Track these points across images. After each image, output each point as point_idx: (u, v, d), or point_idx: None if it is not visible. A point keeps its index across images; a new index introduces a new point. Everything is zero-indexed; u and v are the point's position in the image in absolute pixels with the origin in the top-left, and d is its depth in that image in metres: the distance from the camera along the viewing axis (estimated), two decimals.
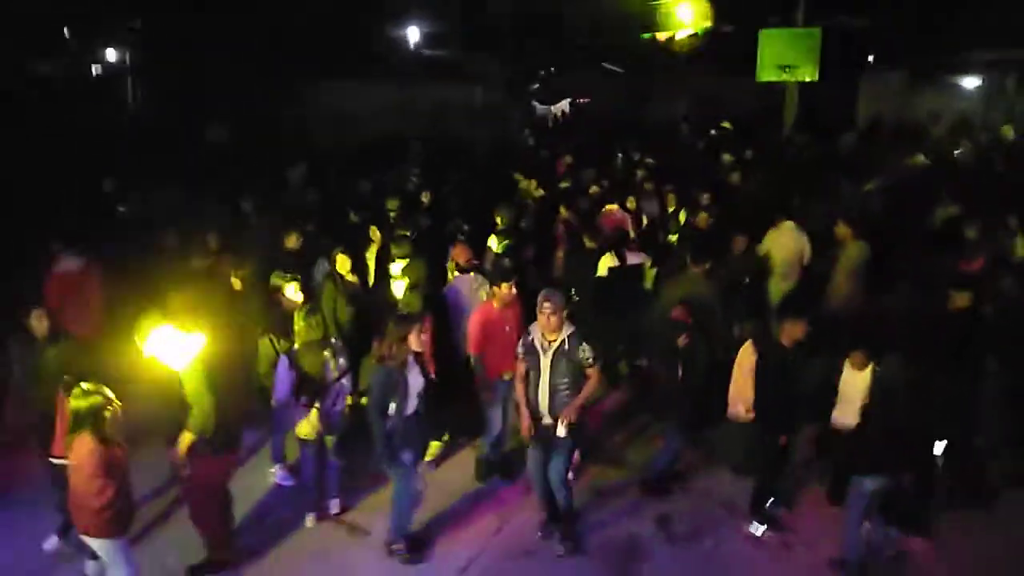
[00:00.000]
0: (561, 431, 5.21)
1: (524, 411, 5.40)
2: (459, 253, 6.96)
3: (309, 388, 5.37)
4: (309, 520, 5.81)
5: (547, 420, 5.30)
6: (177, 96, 18.45)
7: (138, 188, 10.57)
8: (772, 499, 5.76)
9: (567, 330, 5.21)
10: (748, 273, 7.93)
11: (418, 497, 5.46)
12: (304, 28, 19.49)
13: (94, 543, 4.50)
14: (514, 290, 5.90)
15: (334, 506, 5.89)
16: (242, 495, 6.03)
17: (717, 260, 7.21)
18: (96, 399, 4.29)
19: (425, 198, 9.85)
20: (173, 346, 4.72)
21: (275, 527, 5.80)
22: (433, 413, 5.73)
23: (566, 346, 5.19)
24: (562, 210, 9.25)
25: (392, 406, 5.02)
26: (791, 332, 5.43)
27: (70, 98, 18.04)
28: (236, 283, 6.77)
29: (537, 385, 5.26)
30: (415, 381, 5.15)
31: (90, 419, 4.27)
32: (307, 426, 5.48)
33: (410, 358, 5.11)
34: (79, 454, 4.29)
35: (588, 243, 7.91)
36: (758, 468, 5.76)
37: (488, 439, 6.27)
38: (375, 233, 8.11)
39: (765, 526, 5.65)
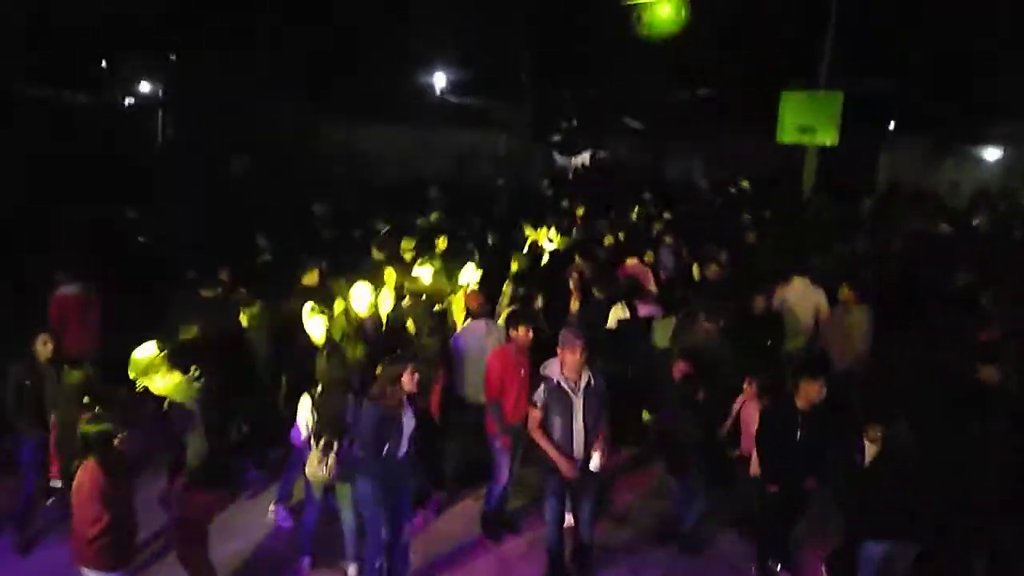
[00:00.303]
0: (595, 464, 5.28)
1: (557, 455, 5.26)
2: (471, 298, 6.95)
3: (330, 430, 5.24)
4: (305, 563, 5.72)
5: (580, 461, 5.28)
6: (205, 129, 18.84)
7: (158, 217, 10.75)
8: (776, 559, 5.62)
9: (588, 369, 5.21)
10: (769, 334, 7.75)
11: (385, 544, 5.21)
12: (331, 69, 19.93)
13: (82, 571, 4.37)
14: (531, 335, 5.86)
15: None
16: (240, 532, 6.02)
17: (735, 318, 7.14)
18: (107, 426, 4.25)
19: (442, 242, 9.90)
20: (168, 381, 4.73)
21: (270, 568, 5.71)
22: (433, 459, 5.68)
23: (592, 383, 5.22)
24: (576, 259, 9.28)
25: (386, 447, 4.93)
26: (808, 392, 5.25)
27: (102, 128, 18.46)
28: (244, 319, 6.79)
29: (570, 427, 5.21)
30: (408, 423, 5.07)
31: (99, 445, 4.22)
32: (321, 469, 5.29)
33: (404, 399, 5.03)
34: (81, 478, 4.23)
35: (596, 294, 7.88)
36: (759, 523, 5.68)
37: (495, 489, 6.12)
38: (390, 274, 8.11)
39: None
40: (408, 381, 4.95)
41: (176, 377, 4.83)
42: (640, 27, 14.67)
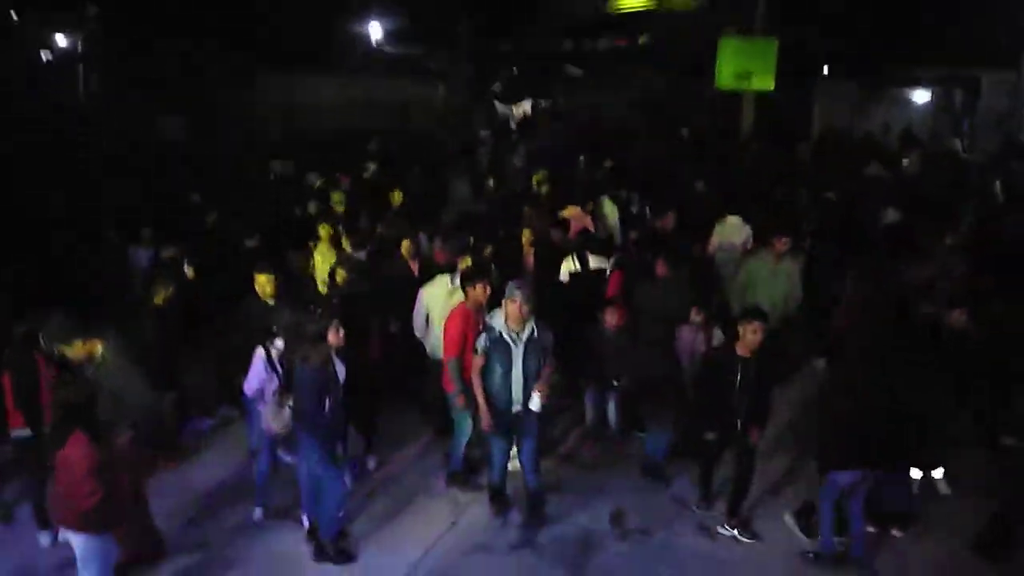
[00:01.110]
0: (535, 405, 5.39)
1: (483, 405, 5.41)
2: (438, 252, 6.90)
3: (288, 382, 5.27)
4: (257, 513, 5.71)
5: (518, 408, 5.41)
6: (130, 86, 18.01)
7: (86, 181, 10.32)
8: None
9: (531, 320, 5.31)
10: (712, 281, 7.89)
11: (347, 494, 5.37)
12: (262, 20, 19.20)
13: (75, 538, 4.32)
14: (487, 290, 5.83)
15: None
16: (191, 484, 6.07)
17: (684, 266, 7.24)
18: (86, 390, 4.20)
19: (397, 196, 9.71)
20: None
21: (223, 520, 5.71)
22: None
23: (535, 335, 5.35)
24: (527, 210, 9.29)
25: (327, 404, 4.96)
26: (747, 337, 5.36)
27: (17, 85, 17.48)
28: (190, 272, 6.67)
29: (509, 375, 5.34)
30: (340, 374, 5.13)
31: (83, 412, 4.16)
32: (279, 421, 5.31)
33: (332, 353, 5.05)
34: (71, 453, 4.13)
35: (554, 238, 7.85)
36: (700, 462, 5.93)
37: (459, 444, 6.13)
38: (325, 229, 7.96)
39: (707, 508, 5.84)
40: (333, 337, 5.00)
41: (92, 345, 4.88)
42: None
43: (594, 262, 7.55)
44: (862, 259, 7.79)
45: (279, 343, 5.36)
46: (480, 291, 5.79)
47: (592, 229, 8.94)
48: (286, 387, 5.23)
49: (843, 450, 5.11)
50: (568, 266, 7.49)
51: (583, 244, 7.75)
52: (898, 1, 17.09)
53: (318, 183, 11.15)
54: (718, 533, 5.68)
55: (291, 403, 5.18)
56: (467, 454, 6.23)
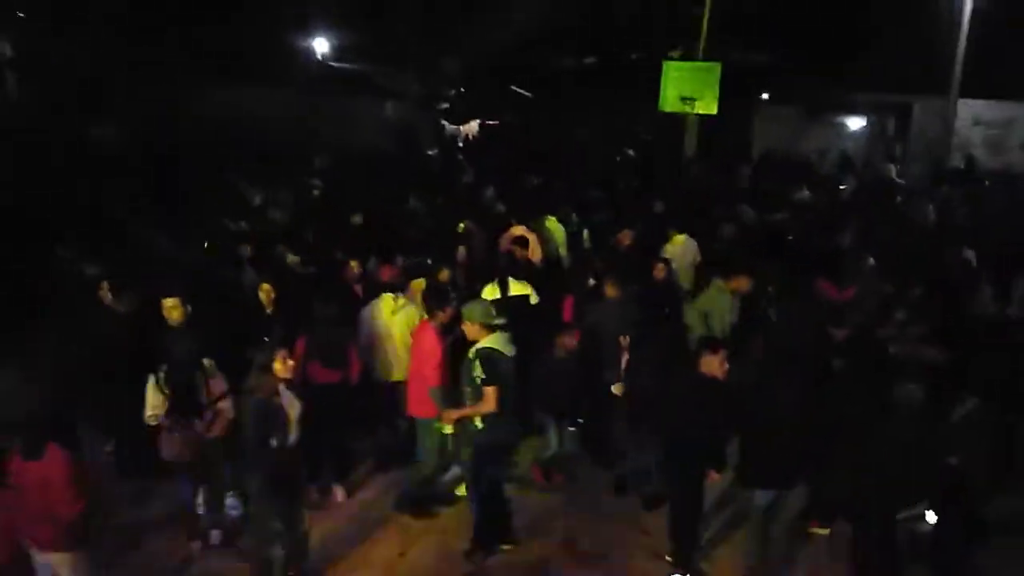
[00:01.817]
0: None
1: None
2: (386, 271, 6.73)
3: (183, 408, 5.12)
4: (194, 547, 5.45)
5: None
6: (59, 91, 17.33)
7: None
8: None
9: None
10: (670, 301, 7.78)
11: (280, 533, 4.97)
12: (205, 28, 18.76)
13: (57, 558, 4.21)
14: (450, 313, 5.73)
15: (215, 537, 5.58)
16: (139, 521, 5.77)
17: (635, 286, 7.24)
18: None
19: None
20: None
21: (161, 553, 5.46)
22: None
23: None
24: (465, 225, 9.21)
25: (272, 440, 4.67)
26: (709, 366, 5.23)
27: None
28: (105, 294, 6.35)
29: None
30: (293, 409, 4.83)
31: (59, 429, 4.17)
32: (170, 447, 5.17)
33: (281, 386, 4.77)
34: (45, 469, 4.08)
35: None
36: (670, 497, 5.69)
37: (419, 469, 6.00)
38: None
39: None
40: (281, 368, 4.73)
41: None
42: None
43: (517, 288, 7.16)
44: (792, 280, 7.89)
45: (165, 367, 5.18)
46: (444, 317, 5.72)
47: (539, 248, 8.89)
48: (176, 412, 5.10)
49: (759, 468, 5.14)
50: (490, 293, 7.07)
51: (506, 269, 7.41)
52: (835, 29, 17.69)
53: (258, 199, 10.90)
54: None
55: (182, 429, 5.07)
56: (422, 479, 6.07)
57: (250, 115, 18.36)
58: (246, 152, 15.77)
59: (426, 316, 5.95)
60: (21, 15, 20.21)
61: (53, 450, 4.13)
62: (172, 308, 5.61)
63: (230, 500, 5.79)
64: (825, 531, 5.84)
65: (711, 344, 5.38)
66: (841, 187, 14.57)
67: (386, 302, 6.45)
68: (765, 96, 20.87)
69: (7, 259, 7.48)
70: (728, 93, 15.85)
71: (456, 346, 5.60)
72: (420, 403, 5.76)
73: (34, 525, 4.19)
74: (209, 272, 7.31)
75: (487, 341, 5.15)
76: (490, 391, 5.10)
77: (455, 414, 5.33)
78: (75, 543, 4.25)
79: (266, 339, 4.90)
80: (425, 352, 5.67)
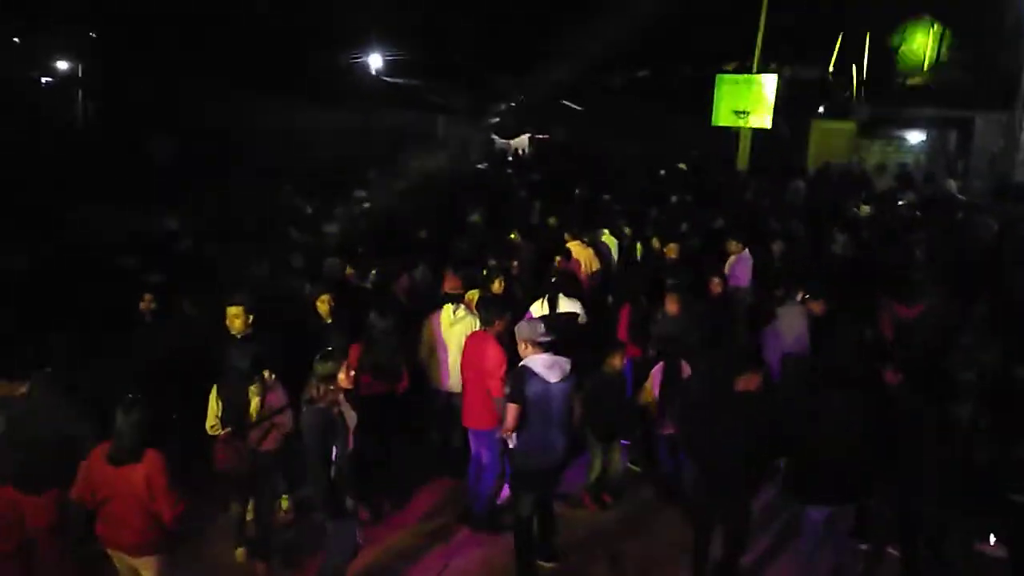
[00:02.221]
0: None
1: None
2: (446, 279, 6.80)
3: (235, 420, 5.17)
4: (239, 554, 5.59)
5: None
6: (128, 111, 18.04)
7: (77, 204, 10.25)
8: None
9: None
10: (728, 316, 7.71)
11: (356, 549, 5.01)
12: (262, 46, 19.30)
13: (143, 562, 4.27)
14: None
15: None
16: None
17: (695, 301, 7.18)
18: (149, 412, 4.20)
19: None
20: None
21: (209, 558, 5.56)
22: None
23: None
24: (514, 235, 9.27)
25: (333, 450, 4.67)
26: (747, 384, 5.21)
27: (17, 108, 17.49)
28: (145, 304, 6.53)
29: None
30: (351, 419, 4.86)
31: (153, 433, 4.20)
32: (230, 459, 5.25)
33: (341, 396, 4.79)
34: (145, 471, 4.14)
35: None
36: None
37: (486, 484, 5.95)
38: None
39: None
40: (344, 379, 4.73)
41: None
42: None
43: (567, 306, 7.07)
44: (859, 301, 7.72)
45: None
46: (500, 327, 5.74)
47: (595, 263, 8.89)
48: (229, 424, 5.16)
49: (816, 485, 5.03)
50: (538, 308, 7.04)
51: (556, 285, 7.32)
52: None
53: (309, 210, 11.14)
54: None
55: (235, 440, 5.13)
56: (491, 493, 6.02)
57: (305, 130, 18.82)
58: (301, 166, 16.15)
59: (482, 327, 5.93)
60: (93, 35, 21.12)
61: (151, 453, 4.17)
62: (235, 317, 5.60)
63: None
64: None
65: (751, 363, 5.32)
66: (900, 202, 14.20)
67: (446, 312, 6.49)
68: (821, 110, 20.51)
69: (78, 267, 7.77)
70: (783, 107, 15.67)
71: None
72: (478, 415, 5.74)
73: (125, 530, 4.22)
74: (270, 282, 7.47)
75: (526, 360, 5.09)
76: (511, 408, 5.02)
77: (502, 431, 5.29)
78: (164, 545, 4.32)
79: (328, 349, 4.86)
80: (486, 363, 5.62)
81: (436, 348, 6.46)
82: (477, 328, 6.13)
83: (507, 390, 5.13)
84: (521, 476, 5.28)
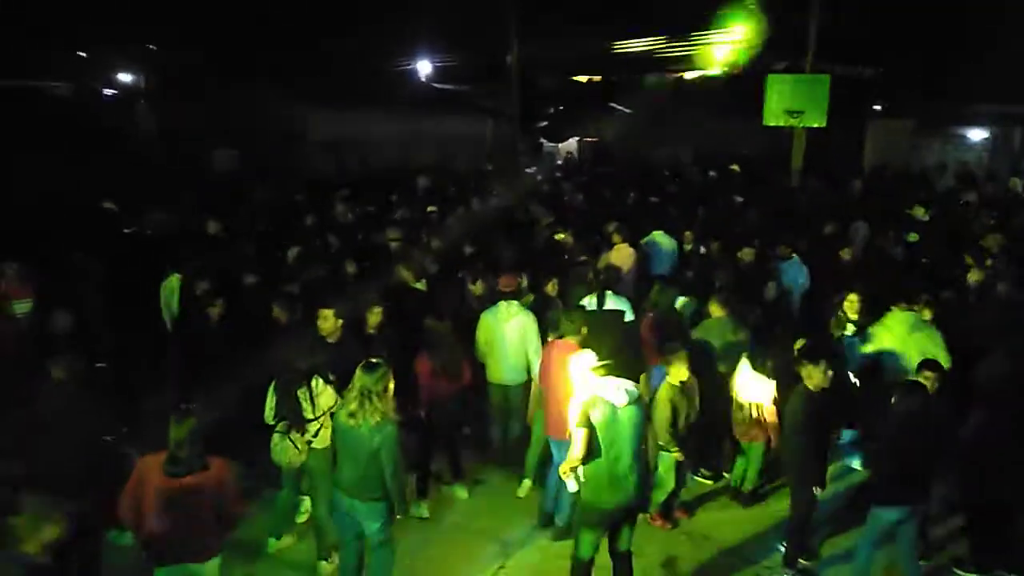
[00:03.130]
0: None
1: None
2: (503, 280, 6.92)
3: (288, 416, 5.28)
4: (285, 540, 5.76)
5: None
6: (187, 121, 18.57)
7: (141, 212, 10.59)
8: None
9: None
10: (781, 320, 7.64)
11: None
12: (313, 55, 19.70)
13: (209, 566, 4.25)
14: None
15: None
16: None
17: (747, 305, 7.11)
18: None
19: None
20: None
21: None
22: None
23: None
24: (560, 236, 9.28)
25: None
26: (812, 377, 5.24)
27: (83, 120, 18.15)
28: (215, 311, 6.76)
29: None
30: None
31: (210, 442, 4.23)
32: (281, 455, 5.37)
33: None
34: (224, 475, 4.18)
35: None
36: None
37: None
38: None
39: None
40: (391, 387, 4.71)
41: None
42: None
43: (613, 303, 7.04)
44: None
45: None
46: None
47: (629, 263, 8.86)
48: (286, 420, 5.26)
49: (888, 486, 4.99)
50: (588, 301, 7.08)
51: (606, 282, 7.26)
52: (952, 37, 16.85)
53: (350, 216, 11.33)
54: None
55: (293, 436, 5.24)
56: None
57: (357, 138, 19.13)
58: (351, 172, 16.44)
59: (562, 336, 5.85)
60: (152, 47, 21.82)
61: (217, 461, 4.17)
62: (325, 319, 5.84)
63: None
64: None
65: (810, 354, 5.28)
66: (961, 202, 13.78)
67: (501, 309, 6.65)
68: (877, 108, 20.06)
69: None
70: (838, 105, 15.33)
71: None
72: (556, 425, 5.61)
73: (192, 541, 4.15)
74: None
75: (598, 386, 4.69)
76: (576, 434, 4.62)
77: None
78: (220, 547, 4.29)
79: (373, 360, 4.75)
80: (559, 371, 5.43)
81: (493, 344, 6.61)
82: (532, 326, 6.42)
83: (571, 416, 4.76)
84: (584, 516, 4.81)
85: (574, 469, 4.66)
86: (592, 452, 4.56)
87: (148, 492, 4.07)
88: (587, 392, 4.67)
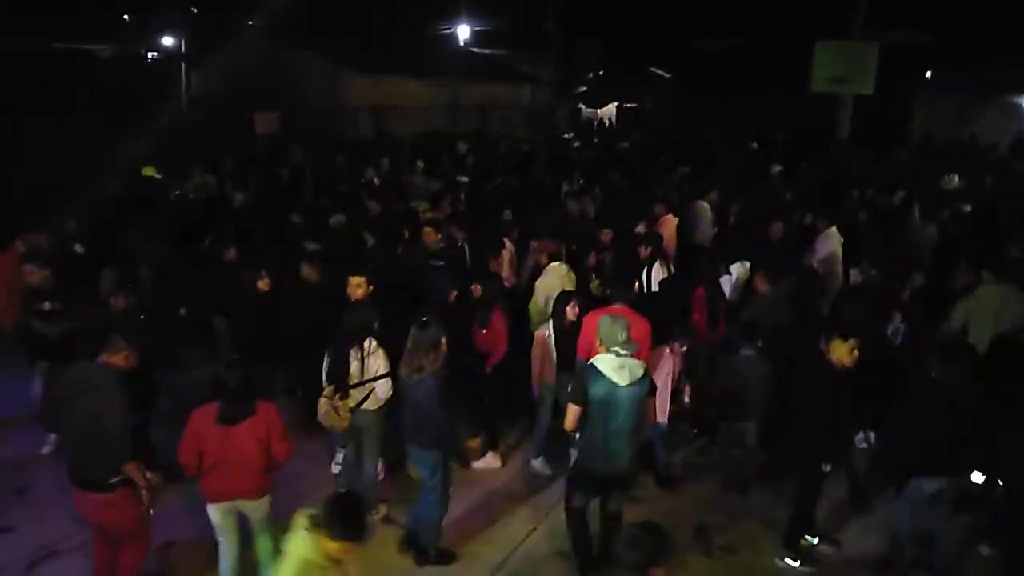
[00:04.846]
0: None
1: None
2: (544, 245, 7.10)
3: (336, 380, 5.39)
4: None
5: None
6: (228, 84, 18.73)
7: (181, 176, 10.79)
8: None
9: None
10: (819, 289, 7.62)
11: (447, 503, 5.26)
12: (353, 20, 19.67)
13: (256, 504, 4.57)
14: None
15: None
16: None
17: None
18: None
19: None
20: None
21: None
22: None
23: None
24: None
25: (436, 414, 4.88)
26: (838, 354, 5.08)
27: (126, 82, 18.43)
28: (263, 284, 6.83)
29: None
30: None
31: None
32: (327, 418, 5.44)
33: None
34: (275, 419, 4.49)
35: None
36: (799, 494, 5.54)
37: None
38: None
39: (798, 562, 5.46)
40: (444, 345, 4.94)
41: None
42: None
43: (660, 272, 7.26)
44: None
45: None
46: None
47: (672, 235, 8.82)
48: (333, 384, 5.36)
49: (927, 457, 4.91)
50: (659, 272, 7.33)
51: (655, 253, 7.43)
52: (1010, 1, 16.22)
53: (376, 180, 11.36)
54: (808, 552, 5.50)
55: (337, 400, 5.31)
56: None
57: (396, 103, 19.12)
58: (389, 138, 16.46)
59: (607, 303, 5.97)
60: (194, 10, 21.99)
61: (263, 405, 4.47)
62: (357, 286, 6.04)
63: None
64: None
65: (840, 331, 5.15)
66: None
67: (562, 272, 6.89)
68: (929, 75, 19.44)
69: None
70: (887, 73, 14.91)
71: None
72: None
73: (243, 479, 4.46)
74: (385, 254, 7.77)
75: (595, 359, 4.78)
76: (571, 410, 4.71)
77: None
78: (270, 485, 4.60)
79: (425, 319, 4.97)
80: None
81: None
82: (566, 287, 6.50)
83: (568, 389, 4.85)
84: (578, 478, 5.02)
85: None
86: (590, 425, 4.68)
87: (204, 438, 4.40)
88: (591, 367, 4.71)
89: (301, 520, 3.25)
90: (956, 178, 11.52)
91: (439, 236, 7.76)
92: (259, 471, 4.49)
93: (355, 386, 5.40)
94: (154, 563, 4.94)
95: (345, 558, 3.28)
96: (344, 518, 3.26)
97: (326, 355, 5.50)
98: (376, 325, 5.49)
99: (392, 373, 5.37)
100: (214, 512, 4.58)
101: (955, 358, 4.99)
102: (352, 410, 5.41)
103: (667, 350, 5.99)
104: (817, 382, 5.16)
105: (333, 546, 3.20)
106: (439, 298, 6.48)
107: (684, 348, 6.15)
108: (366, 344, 5.41)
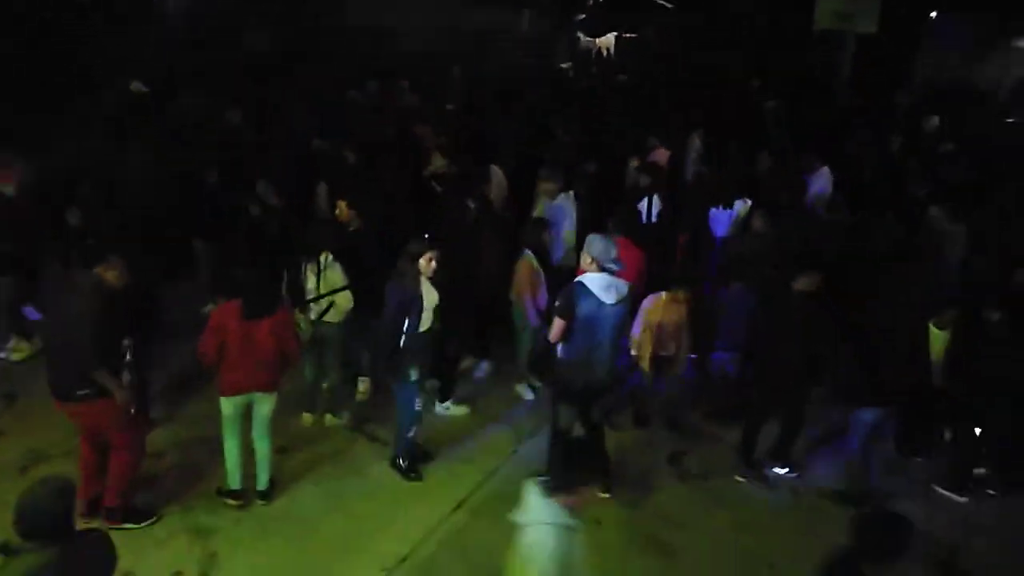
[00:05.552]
0: None
1: None
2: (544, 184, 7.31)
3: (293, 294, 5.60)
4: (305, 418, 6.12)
5: None
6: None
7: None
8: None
9: None
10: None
11: (418, 416, 5.45)
12: None
13: (268, 397, 4.99)
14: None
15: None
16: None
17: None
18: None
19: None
20: None
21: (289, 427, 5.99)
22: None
23: None
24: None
25: (406, 322, 5.04)
26: (806, 283, 5.35)
27: None
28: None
29: None
30: (429, 298, 5.15)
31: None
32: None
33: (422, 277, 5.10)
34: (288, 319, 4.98)
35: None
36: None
37: None
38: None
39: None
40: (426, 266, 5.07)
41: None
42: None
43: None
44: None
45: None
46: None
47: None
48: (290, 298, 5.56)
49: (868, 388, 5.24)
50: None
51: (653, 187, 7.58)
52: None
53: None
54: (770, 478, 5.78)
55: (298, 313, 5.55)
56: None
57: (393, 25, 18.59)
58: (384, 62, 16.06)
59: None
60: None
61: (284, 310, 4.97)
62: (340, 209, 6.25)
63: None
64: None
65: (808, 264, 5.40)
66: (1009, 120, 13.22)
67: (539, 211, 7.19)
68: (934, 15, 18.95)
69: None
70: (890, 11, 14.58)
71: None
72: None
73: (261, 372, 4.85)
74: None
75: (583, 276, 4.92)
76: (557, 323, 4.91)
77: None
78: (280, 381, 5.03)
79: (424, 235, 5.20)
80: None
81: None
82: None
83: (556, 303, 4.97)
84: (562, 388, 5.21)
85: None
86: (575, 338, 4.90)
87: (227, 332, 4.71)
88: (579, 284, 4.88)
89: (534, 488, 3.25)
90: (936, 120, 11.39)
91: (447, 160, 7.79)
92: (274, 365, 4.87)
93: (314, 300, 5.60)
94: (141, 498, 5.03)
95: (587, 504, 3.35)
96: (574, 464, 3.34)
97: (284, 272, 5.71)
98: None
99: (350, 286, 5.63)
100: (227, 405, 4.92)
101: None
102: (313, 323, 5.64)
103: (663, 296, 5.95)
104: (785, 308, 5.42)
105: (574, 499, 3.20)
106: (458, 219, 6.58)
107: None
108: (322, 258, 5.62)
